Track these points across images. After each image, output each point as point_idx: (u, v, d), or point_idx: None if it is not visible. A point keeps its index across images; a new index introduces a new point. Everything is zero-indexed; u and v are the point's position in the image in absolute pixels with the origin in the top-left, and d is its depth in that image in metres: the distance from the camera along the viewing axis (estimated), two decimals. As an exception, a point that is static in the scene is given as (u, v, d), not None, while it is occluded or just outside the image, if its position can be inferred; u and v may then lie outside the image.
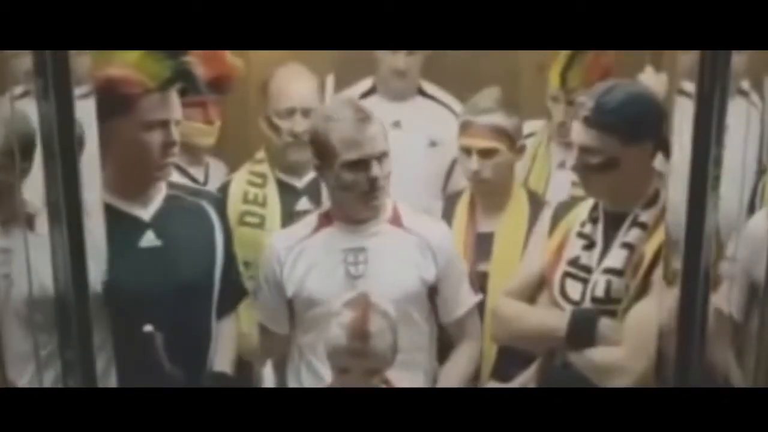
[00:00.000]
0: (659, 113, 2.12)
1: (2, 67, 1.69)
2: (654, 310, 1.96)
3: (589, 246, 2.21)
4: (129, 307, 2.06)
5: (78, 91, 1.55)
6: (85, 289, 1.61)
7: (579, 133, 2.14)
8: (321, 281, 2.36)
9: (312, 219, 2.46)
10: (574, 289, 2.20)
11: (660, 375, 1.86)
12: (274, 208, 2.73)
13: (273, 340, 2.48)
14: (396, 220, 2.41)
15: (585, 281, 2.19)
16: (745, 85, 2.45)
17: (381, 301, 2.07)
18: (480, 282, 2.57)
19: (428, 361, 2.46)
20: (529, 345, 2.34)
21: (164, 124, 2.19)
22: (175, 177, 2.49)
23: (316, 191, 2.75)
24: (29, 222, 1.92)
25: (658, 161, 2.16)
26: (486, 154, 2.60)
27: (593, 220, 2.23)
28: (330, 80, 2.95)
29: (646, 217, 2.16)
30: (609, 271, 2.16)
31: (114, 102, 2.06)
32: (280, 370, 2.49)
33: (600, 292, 2.15)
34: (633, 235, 2.16)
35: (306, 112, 2.71)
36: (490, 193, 2.69)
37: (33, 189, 1.72)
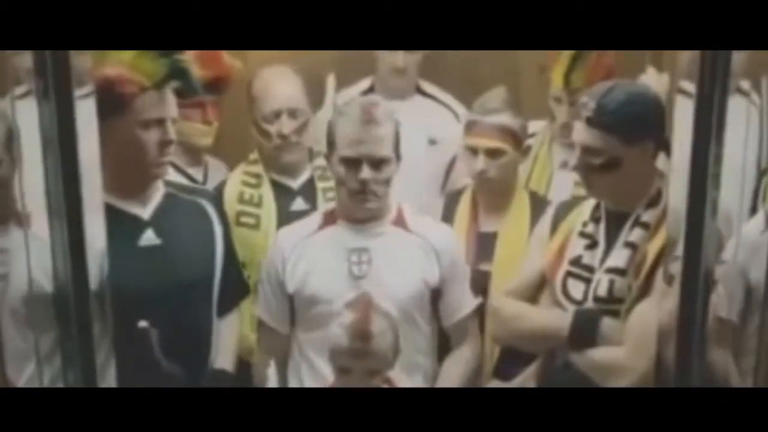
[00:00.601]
0: (661, 113, 2.12)
1: (2, 67, 1.69)
2: (657, 310, 1.96)
3: (592, 246, 2.21)
4: (129, 306, 2.05)
5: (79, 92, 1.55)
6: (85, 288, 1.61)
7: (581, 133, 2.15)
8: (323, 279, 2.36)
9: (317, 217, 2.47)
10: (576, 288, 2.20)
11: (660, 375, 1.86)
12: (269, 209, 2.72)
13: (273, 337, 2.48)
14: (400, 222, 2.42)
15: (587, 281, 2.19)
16: (745, 84, 2.45)
17: (382, 301, 2.07)
18: (482, 281, 2.57)
19: (429, 364, 2.46)
20: (530, 345, 2.34)
21: (161, 123, 2.20)
22: (174, 177, 2.50)
23: (312, 192, 2.75)
24: (28, 221, 1.92)
25: (660, 161, 2.16)
26: (492, 154, 2.61)
27: (595, 219, 2.23)
28: (331, 80, 2.95)
29: (648, 216, 2.16)
30: (612, 270, 2.16)
31: (110, 101, 2.06)
32: (281, 368, 2.49)
33: (603, 291, 2.15)
34: (636, 234, 2.16)
35: (292, 113, 2.70)
36: (494, 193, 2.69)
37: (31, 188, 1.72)
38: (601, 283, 2.16)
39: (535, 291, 2.31)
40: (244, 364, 2.52)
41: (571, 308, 2.19)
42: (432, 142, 3.05)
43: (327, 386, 2.20)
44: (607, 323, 2.14)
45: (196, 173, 2.92)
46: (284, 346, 2.49)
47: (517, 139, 2.64)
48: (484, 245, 2.66)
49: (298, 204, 2.74)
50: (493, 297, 2.45)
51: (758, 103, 2.39)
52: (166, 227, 2.27)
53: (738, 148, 1.78)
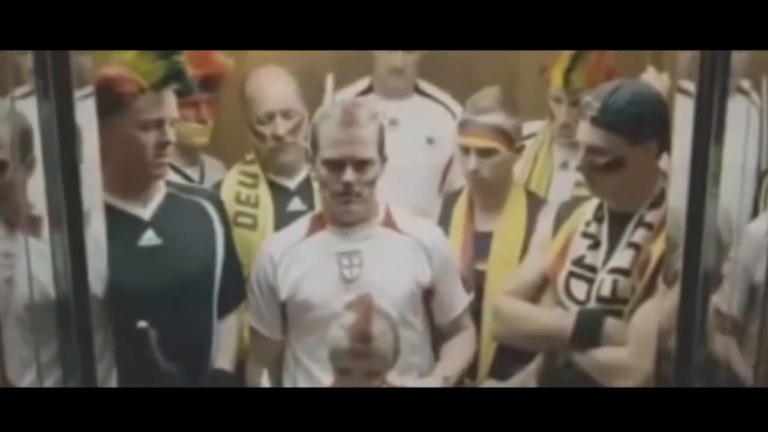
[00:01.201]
0: (665, 113, 2.12)
1: (2, 67, 1.69)
2: (660, 311, 1.96)
3: (595, 246, 2.21)
4: (130, 306, 2.06)
5: (79, 92, 1.55)
6: (86, 289, 1.61)
7: (586, 132, 2.14)
8: (315, 285, 2.35)
9: (304, 222, 2.45)
10: (579, 288, 2.20)
11: (660, 375, 1.86)
12: (266, 209, 2.72)
13: (265, 345, 2.46)
14: (389, 222, 2.41)
15: (590, 281, 2.19)
16: (746, 84, 2.44)
17: (383, 302, 2.07)
18: (478, 281, 2.57)
19: (423, 363, 2.46)
20: (532, 344, 2.34)
21: (159, 124, 2.20)
22: (171, 177, 2.49)
23: (309, 192, 2.74)
24: (31, 225, 1.91)
25: (664, 161, 2.16)
26: (485, 153, 2.60)
27: (598, 219, 2.23)
28: (329, 80, 2.94)
29: (651, 217, 2.16)
30: (615, 270, 2.16)
31: (110, 101, 2.06)
32: (275, 376, 2.48)
33: (606, 291, 2.15)
34: (639, 235, 2.16)
35: (286, 113, 2.68)
36: (489, 193, 2.68)
37: (34, 192, 1.72)
38: (605, 284, 2.16)
39: (536, 291, 2.31)
40: (244, 364, 2.51)
41: (574, 308, 2.19)
42: (430, 141, 3.06)
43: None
44: (610, 323, 2.14)
45: (193, 172, 2.91)
46: (277, 353, 2.47)
47: (509, 138, 2.63)
48: (480, 244, 2.66)
49: (295, 204, 2.74)
50: (495, 296, 2.44)
51: (758, 103, 2.39)
52: (166, 227, 2.27)
53: (738, 148, 1.78)
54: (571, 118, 2.75)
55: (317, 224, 2.42)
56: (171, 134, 2.23)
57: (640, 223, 2.17)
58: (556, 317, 2.23)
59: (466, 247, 2.65)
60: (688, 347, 1.68)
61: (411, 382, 2.32)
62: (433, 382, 2.33)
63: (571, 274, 2.22)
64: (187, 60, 2.24)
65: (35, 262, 1.75)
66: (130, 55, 2.14)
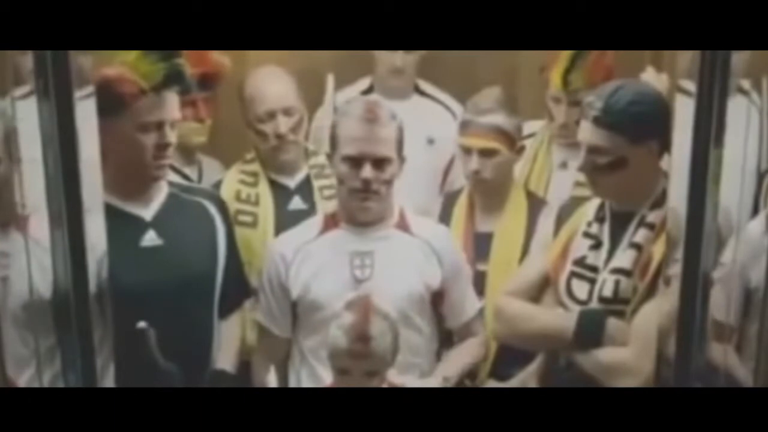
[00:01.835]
0: (667, 113, 2.12)
1: (2, 67, 1.69)
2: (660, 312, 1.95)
3: (596, 246, 2.21)
4: (131, 307, 2.05)
5: (79, 92, 1.55)
6: (86, 289, 1.61)
7: (587, 133, 2.15)
8: (327, 284, 2.35)
9: (317, 220, 2.46)
10: (580, 288, 2.20)
11: (660, 375, 1.86)
12: (267, 207, 2.72)
13: (274, 342, 2.47)
14: (403, 225, 2.42)
15: (592, 281, 2.19)
16: (746, 84, 2.44)
17: (382, 302, 2.06)
18: (479, 281, 2.57)
19: (426, 365, 2.46)
20: (533, 345, 2.35)
21: (160, 125, 2.19)
22: (170, 177, 2.49)
23: (309, 190, 2.75)
24: (28, 224, 1.91)
25: (665, 161, 2.16)
26: (486, 154, 2.60)
27: (600, 219, 2.23)
28: (330, 80, 2.95)
29: (653, 217, 2.16)
30: (617, 271, 2.16)
31: (110, 101, 2.06)
32: (281, 373, 2.49)
33: (608, 291, 2.15)
34: (641, 235, 2.16)
35: (287, 111, 2.69)
36: (489, 193, 2.69)
37: (32, 190, 1.71)
38: (606, 284, 2.16)
39: (537, 291, 2.31)
40: (244, 364, 2.51)
41: (576, 308, 2.19)
42: (430, 141, 3.06)
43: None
44: (612, 324, 2.14)
45: (191, 172, 2.91)
46: (285, 350, 2.48)
47: (510, 139, 2.63)
48: (481, 245, 2.66)
49: (296, 203, 2.74)
50: (496, 297, 2.44)
51: (758, 103, 2.39)
52: (168, 228, 2.27)
53: (738, 148, 1.78)
54: (570, 118, 2.76)
55: (330, 223, 2.43)
56: (172, 136, 2.23)
57: (642, 223, 2.17)
58: (557, 317, 2.23)
59: (467, 247, 2.65)
60: (688, 347, 1.67)
61: (411, 381, 2.32)
62: (432, 382, 2.34)
63: (573, 274, 2.22)
64: (185, 60, 2.25)
65: (33, 262, 1.75)
66: (130, 56, 2.14)
